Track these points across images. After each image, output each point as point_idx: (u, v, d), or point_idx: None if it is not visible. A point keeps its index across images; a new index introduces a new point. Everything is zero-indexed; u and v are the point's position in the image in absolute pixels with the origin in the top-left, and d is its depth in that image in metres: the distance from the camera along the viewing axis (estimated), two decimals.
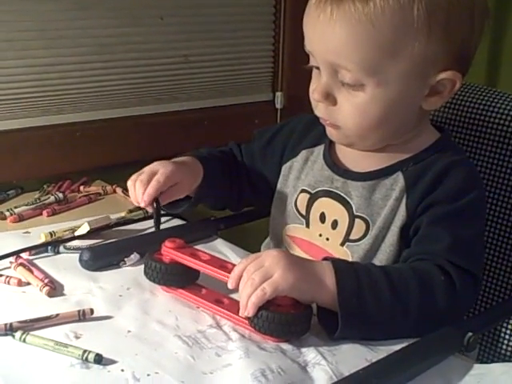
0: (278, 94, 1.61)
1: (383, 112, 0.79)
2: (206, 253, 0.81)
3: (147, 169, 0.91)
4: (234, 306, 0.75)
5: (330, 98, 0.80)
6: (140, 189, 0.89)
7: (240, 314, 0.73)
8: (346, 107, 0.80)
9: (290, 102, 1.59)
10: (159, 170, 0.90)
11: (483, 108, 0.96)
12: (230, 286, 0.74)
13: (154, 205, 0.89)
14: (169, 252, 0.82)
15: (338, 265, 0.73)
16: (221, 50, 1.50)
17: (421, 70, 0.77)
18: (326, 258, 0.76)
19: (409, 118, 0.82)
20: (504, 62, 1.63)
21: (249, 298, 0.70)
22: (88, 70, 1.32)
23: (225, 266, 0.77)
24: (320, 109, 0.83)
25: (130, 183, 0.91)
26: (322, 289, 0.72)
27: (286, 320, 0.70)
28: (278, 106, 1.61)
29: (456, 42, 0.77)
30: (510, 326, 0.93)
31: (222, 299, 0.79)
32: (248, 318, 0.72)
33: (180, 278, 0.81)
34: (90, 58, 1.31)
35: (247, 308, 0.70)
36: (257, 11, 1.54)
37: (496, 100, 0.95)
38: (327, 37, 0.77)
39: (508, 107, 0.94)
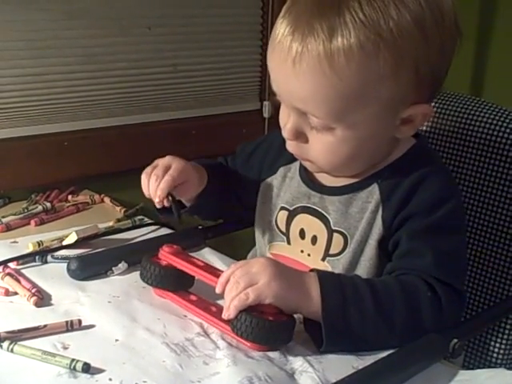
0: (266, 103, 1.61)
1: (354, 150, 0.78)
2: (200, 260, 0.83)
3: (161, 162, 0.90)
4: (221, 314, 0.75)
5: (301, 137, 0.79)
6: (154, 183, 0.87)
7: (222, 316, 0.73)
8: (317, 146, 0.79)
9: (278, 111, 1.59)
10: (172, 164, 0.89)
11: (467, 117, 0.97)
12: (218, 290, 0.75)
13: (170, 198, 0.87)
14: (166, 256, 0.83)
15: (324, 278, 0.74)
16: (209, 59, 1.51)
17: (389, 110, 0.76)
18: (312, 270, 0.76)
19: (381, 148, 0.82)
20: (488, 72, 1.65)
21: (231, 301, 0.71)
22: (76, 79, 1.32)
23: (217, 273, 0.78)
24: (292, 146, 0.82)
25: (143, 176, 0.90)
26: (307, 300, 0.72)
27: (266, 326, 0.71)
28: (266, 115, 1.62)
29: (426, 80, 0.76)
30: (494, 333, 0.94)
31: (210, 307, 0.80)
32: (231, 322, 0.73)
33: (174, 282, 0.83)
34: (77, 67, 1.31)
35: (229, 310, 0.71)
36: (244, 21, 1.55)
37: (480, 109, 0.96)
38: (292, 82, 0.75)
39: (492, 116, 0.95)
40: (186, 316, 0.80)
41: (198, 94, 1.52)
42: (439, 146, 1.00)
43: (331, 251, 0.84)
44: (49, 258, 0.95)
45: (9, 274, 0.89)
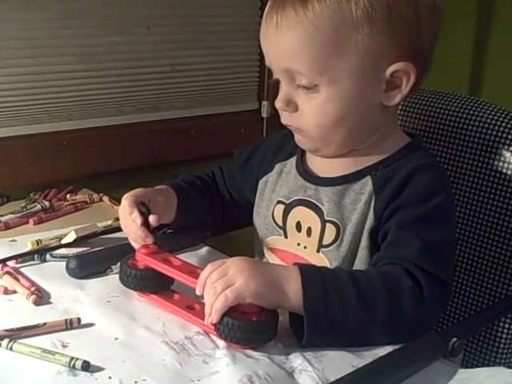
0: (264, 103, 1.62)
1: (341, 110, 0.80)
2: (178, 258, 0.82)
3: (120, 212, 0.91)
4: (204, 313, 0.75)
5: (291, 105, 0.82)
6: (132, 224, 0.87)
7: (205, 322, 0.73)
8: (306, 110, 0.82)
9: (276, 111, 1.59)
10: (123, 198, 0.90)
11: (466, 117, 0.97)
12: (198, 292, 0.75)
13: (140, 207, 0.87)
14: (142, 257, 0.82)
15: (305, 270, 0.74)
16: (207, 59, 1.51)
17: (370, 64, 0.78)
18: (295, 264, 0.76)
19: (370, 117, 0.83)
20: (487, 71, 1.65)
21: (212, 306, 0.71)
22: (74, 78, 1.32)
23: (195, 272, 0.78)
24: (284, 117, 0.85)
25: (123, 229, 0.92)
26: (287, 295, 0.72)
27: (250, 327, 0.71)
28: (264, 115, 1.62)
29: (402, 35, 0.78)
30: (494, 332, 0.94)
31: (193, 305, 0.79)
32: (214, 326, 0.73)
33: (153, 284, 0.82)
34: (76, 67, 1.32)
35: (211, 315, 0.71)
36: (243, 21, 1.55)
37: (479, 109, 0.97)
38: (276, 45, 0.80)
39: (490, 116, 0.95)
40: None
41: (196, 94, 1.53)
42: (437, 145, 1.00)
43: (324, 242, 0.85)
44: (48, 256, 0.95)
45: (8, 273, 0.89)
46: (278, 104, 0.83)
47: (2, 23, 1.21)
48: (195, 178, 1.03)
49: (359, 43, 0.77)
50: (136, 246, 0.88)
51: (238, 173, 1.02)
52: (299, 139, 0.87)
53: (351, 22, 0.76)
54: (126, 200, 0.89)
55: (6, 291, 0.85)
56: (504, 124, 0.94)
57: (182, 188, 0.98)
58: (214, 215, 1.03)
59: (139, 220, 0.86)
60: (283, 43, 0.79)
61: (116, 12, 1.34)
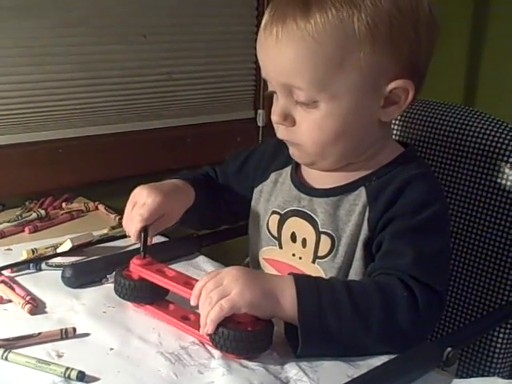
0: (260, 111, 1.62)
1: (340, 126, 0.80)
2: (172, 269, 0.82)
3: (138, 200, 0.89)
4: (200, 323, 0.75)
5: (288, 119, 0.81)
6: (129, 225, 0.88)
7: (200, 332, 0.73)
8: (304, 125, 0.81)
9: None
10: (146, 202, 0.88)
11: (461, 127, 0.97)
12: (192, 303, 0.74)
13: (142, 234, 0.86)
14: (136, 269, 0.82)
15: (300, 281, 0.74)
16: (204, 67, 1.51)
17: (370, 81, 0.78)
18: (290, 274, 0.76)
19: (368, 132, 0.83)
20: (481, 82, 1.66)
21: (207, 316, 0.71)
22: (72, 87, 1.32)
23: (189, 283, 0.78)
24: (281, 131, 0.84)
25: (125, 214, 0.91)
26: (282, 305, 0.72)
27: (245, 337, 0.71)
28: (260, 123, 1.63)
29: (402, 52, 0.78)
30: (488, 342, 0.95)
31: (188, 315, 0.79)
32: (209, 336, 0.72)
33: (148, 295, 0.82)
34: (74, 75, 1.32)
35: (206, 325, 0.71)
36: (239, 30, 1.56)
37: (474, 119, 0.97)
38: (276, 59, 0.79)
39: (485, 127, 0.95)
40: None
41: (192, 102, 1.53)
42: (432, 155, 1.00)
43: (319, 253, 0.85)
44: (43, 265, 0.95)
45: (3, 282, 0.89)
46: (275, 118, 0.82)
47: (2, 31, 1.21)
48: (201, 175, 1.03)
49: (361, 60, 0.76)
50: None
51: (233, 178, 1.02)
52: (294, 153, 0.86)
53: (353, 38, 0.75)
54: (142, 217, 0.86)
55: (1, 300, 0.85)
56: (498, 134, 0.94)
57: (199, 187, 0.96)
58: (212, 216, 1.02)
59: (134, 239, 0.87)
60: (283, 58, 0.78)
61: (113, 21, 1.35)
